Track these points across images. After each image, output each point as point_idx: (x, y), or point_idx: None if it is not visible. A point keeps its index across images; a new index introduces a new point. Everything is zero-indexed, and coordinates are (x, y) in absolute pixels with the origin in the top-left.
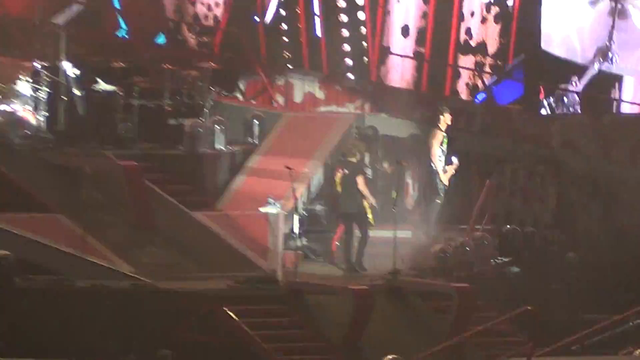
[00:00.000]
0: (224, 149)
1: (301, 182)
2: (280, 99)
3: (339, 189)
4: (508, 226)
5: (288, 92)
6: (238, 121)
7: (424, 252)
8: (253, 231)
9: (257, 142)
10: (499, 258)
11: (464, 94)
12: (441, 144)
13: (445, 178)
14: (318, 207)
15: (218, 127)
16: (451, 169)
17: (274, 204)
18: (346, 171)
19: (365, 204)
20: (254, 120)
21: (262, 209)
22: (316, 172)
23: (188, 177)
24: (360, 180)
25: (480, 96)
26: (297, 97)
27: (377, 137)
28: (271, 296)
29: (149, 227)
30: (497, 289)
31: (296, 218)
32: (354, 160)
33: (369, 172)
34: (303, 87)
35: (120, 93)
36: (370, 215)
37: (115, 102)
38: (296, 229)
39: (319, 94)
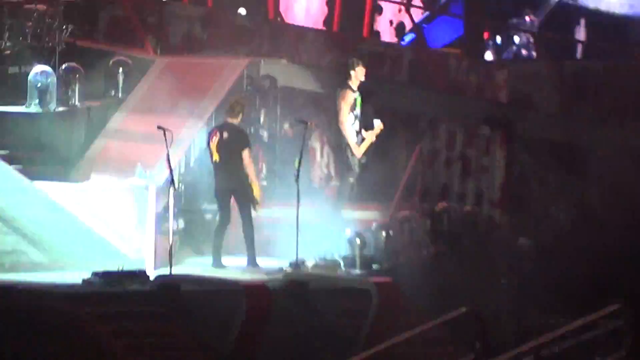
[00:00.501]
0: (79, 104)
1: (178, 147)
2: (152, 41)
3: (215, 157)
4: (443, 204)
5: (162, 32)
6: (98, 69)
7: (334, 237)
8: (116, 209)
9: (121, 96)
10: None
11: (387, 35)
12: (353, 107)
13: (360, 150)
14: (200, 180)
15: (72, 77)
16: (371, 136)
17: (144, 174)
18: (224, 135)
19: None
20: (119, 68)
21: (128, 181)
22: (197, 135)
23: (34, 141)
24: (245, 154)
25: (408, 37)
26: (174, 39)
27: (276, 90)
28: (139, 293)
29: None
30: (428, 285)
31: (171, 193)
32: (235, 121)
33: (264, 134)
34: (181, 26)
35: None
36: (256, 193)
37: None
38: (171, 208)
39: (202, 35)
